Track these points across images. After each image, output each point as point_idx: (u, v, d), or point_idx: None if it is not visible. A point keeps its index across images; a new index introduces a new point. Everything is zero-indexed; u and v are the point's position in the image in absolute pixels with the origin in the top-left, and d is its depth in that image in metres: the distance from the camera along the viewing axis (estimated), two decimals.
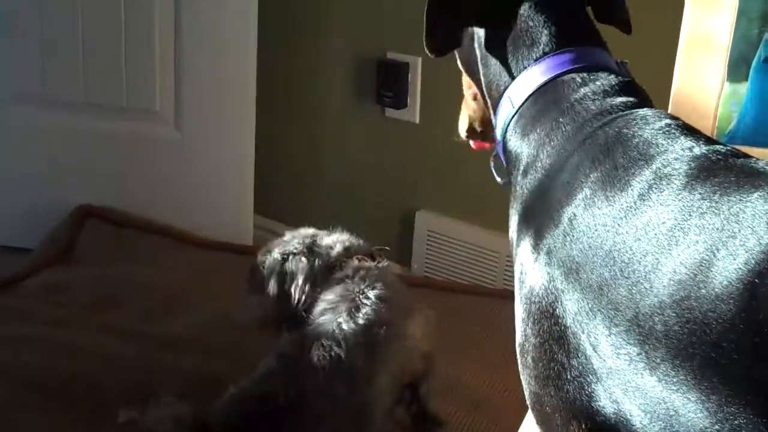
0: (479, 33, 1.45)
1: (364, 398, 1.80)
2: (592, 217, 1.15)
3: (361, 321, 1.80)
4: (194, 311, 2.55)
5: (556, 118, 1.30)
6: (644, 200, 1.11)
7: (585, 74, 1.33)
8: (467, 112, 1.64)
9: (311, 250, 1.97)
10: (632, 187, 1.13)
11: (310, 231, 2.04)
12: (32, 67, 3.08)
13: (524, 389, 1.28)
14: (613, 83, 1.32)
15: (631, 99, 1.29)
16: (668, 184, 1.10)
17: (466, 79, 1.59)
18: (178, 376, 2.11)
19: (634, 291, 1.07)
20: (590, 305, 1.12)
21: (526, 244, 1.26)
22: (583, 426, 1.18)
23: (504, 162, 1.44)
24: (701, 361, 0.99)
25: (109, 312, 2.49)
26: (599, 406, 1.14)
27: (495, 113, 1.43)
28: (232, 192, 3.18)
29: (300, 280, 1.90)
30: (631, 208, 1.12)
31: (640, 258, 1.07)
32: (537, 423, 1.29)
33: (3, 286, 2.63)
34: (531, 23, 1.39)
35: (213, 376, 2.11)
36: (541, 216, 1.24)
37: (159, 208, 3.11)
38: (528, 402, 1.28)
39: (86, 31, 3.03)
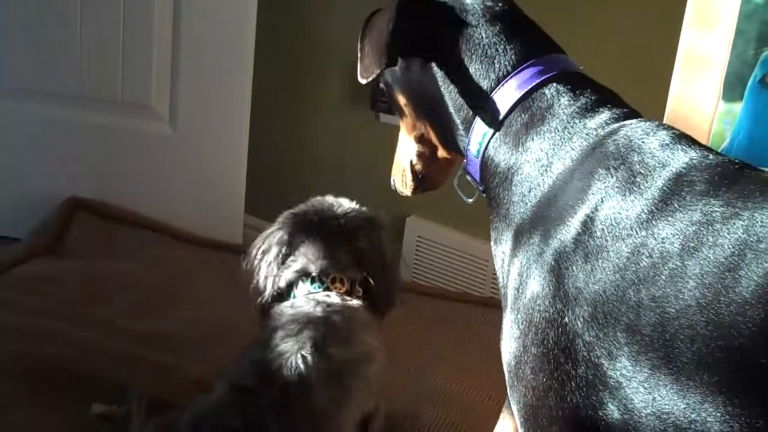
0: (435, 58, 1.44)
1: None
2: (611, 221, 1.15)
3: (327, 357, 1.71)
4: (179, 309, 2.54)
5: (555, 128, 1.30)
6: (667, 205, 1.11)
7: (567, 83, 1.34)
8: (408, 159, 1.62)
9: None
10: (653, 193, 1.13)
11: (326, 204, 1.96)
12: (27, 61, 3.07)
13: (515, 402, 1.26)
14: (598, 92, 1.34)
15: (623, 109, 1.31)
16: (690, 190, 1.11)
17: (407, 122, 1.57)
18: (159, 374, 2.11)
19: (658, 295, 1.06)
20: (607, 311, 1.11)
21: (528, 252, 1.24)
22: None
23: (478, 179, 1.43)
24: (728, 365, 1.00)
25: (94, 305, 2.48)
26: (605, 414, 1.13)
27: (467, 132, 1.42)
28: (223, 190, 3.18)
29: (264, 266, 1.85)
30: (653, 212, 1.12)
31: (665, 261, 1.07)
32: None
33: None
34: (494, 37, 1.39)
35: (194, 375, 2.11)
36: (547, 222, 1.23)
37: (150, 204, 3.10)
38: (519, 416, 1.26)
39: (84, 25, 3.02)
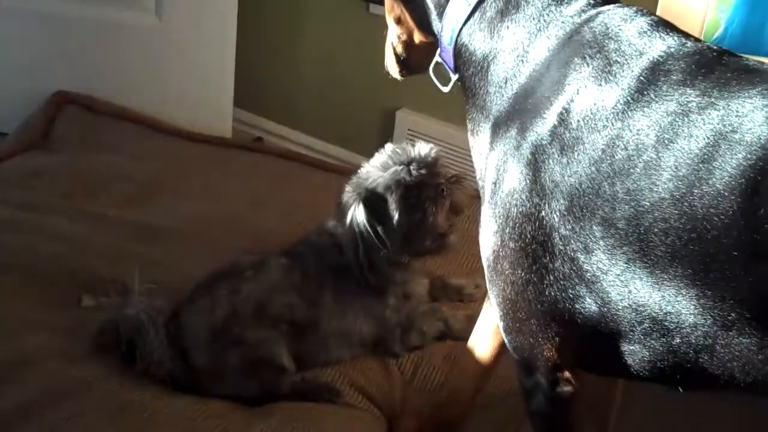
0: None
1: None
2: (586, 113, 1.13)
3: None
4: (170, 202, 2.54)
5: (531, 16, 1.27)
6: (643, 95, 1.10)
7: None
8: (390, 41, 1.60)
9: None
10: (629, 83, 1.12)
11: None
12: None
13: (494, 296, 1.28)
14: None
15: None
16: (666, 79, 1.10)
17: (387, 3, 1.55)
18: (150, 266, 2.10)
19: (633, 188, 1.06)
20: (583, 204, 1.11)
21: (506, 145, 1.23)
22: (562, 329, 1.19)
23: (452, 66, 1.41)
24: (701, 258, 1.00)
25: (84, 198, 2.48)
26: (583, 307, 1.14)
27: (441, 18, 1.39)
28: (212, 83, 3.14)
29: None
30: (628, 103, 1.11)
31: (640, 153, 1.07)
32: (505, 332, 1.29)
33: None
34: None
35: (184, 268, 2.12)
36: (524, 115, 1.21)
37: (138, 97, 3.07)
38: (498, 309, 1.28)
39: None
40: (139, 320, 1.82)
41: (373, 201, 1.87)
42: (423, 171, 1.87)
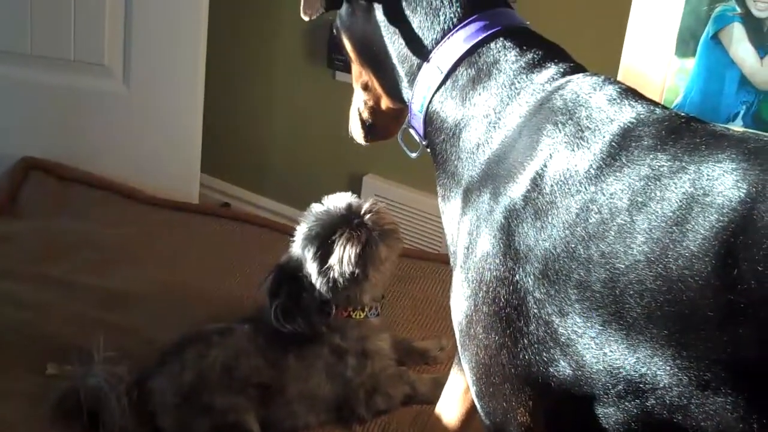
0: (378, 5, 1.42)
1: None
2: (560, 177, 1.14)
3: None
4: (137, 268, 2.53)
5: (503, 84, 1.29)
6: (615, 160, 1.11)
7: (513, 38, 1.33)
8: (356, 107, 1.61)
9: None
10: (601, 148, 1.13)
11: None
12: None
13: (467, 362, 1.27)
14: (544, 47, 1.32)
15: (570, 64, 1.30)
16: (637, 144, 1.11)
17: (355, 69, 1.56)
18: (116, 333, 2.09)
19: (607, 251, 1.07)
20: (557, 268, 1.11)
21: (478, 210, 1.24)
22: (536, 392, 1.19)
23: (422, 133, 1.42)
24: (677, 319, 1.01)
25: (50, 265, 2.46)
26: (557, 371, 1.14)
27: (411, 86, 1.40)
28: (179, 149, 3.15)
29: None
30: (601, 167, 1.12)
31: (614, 216, 1.08)
32: (477, 397, 1.28)
33: None
34: None
35: (151, 334, 2.11)
36: (497, 180, 1.22)
37: (105, 163, 3.07)
38: (470, 375, 1.27)
39: None
40: (99, 388, 1.81)
41: (287, 271, 1.97)
42: (332, 219, 1.95)
